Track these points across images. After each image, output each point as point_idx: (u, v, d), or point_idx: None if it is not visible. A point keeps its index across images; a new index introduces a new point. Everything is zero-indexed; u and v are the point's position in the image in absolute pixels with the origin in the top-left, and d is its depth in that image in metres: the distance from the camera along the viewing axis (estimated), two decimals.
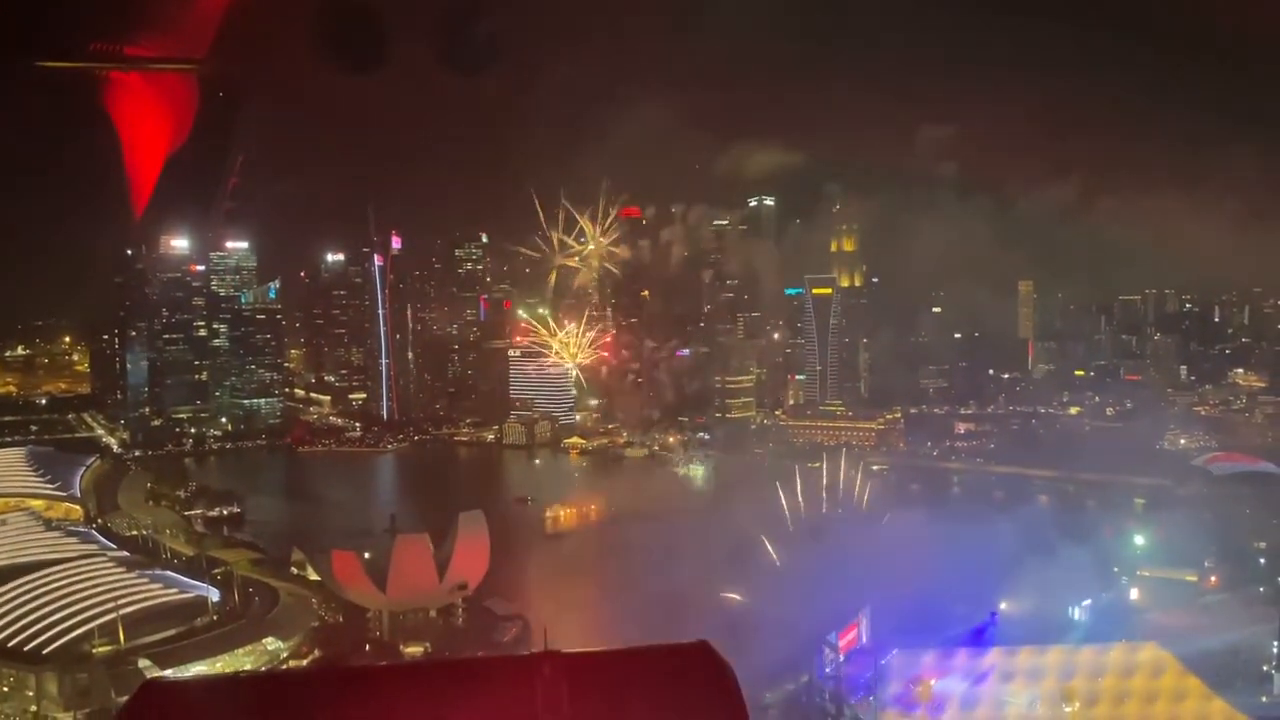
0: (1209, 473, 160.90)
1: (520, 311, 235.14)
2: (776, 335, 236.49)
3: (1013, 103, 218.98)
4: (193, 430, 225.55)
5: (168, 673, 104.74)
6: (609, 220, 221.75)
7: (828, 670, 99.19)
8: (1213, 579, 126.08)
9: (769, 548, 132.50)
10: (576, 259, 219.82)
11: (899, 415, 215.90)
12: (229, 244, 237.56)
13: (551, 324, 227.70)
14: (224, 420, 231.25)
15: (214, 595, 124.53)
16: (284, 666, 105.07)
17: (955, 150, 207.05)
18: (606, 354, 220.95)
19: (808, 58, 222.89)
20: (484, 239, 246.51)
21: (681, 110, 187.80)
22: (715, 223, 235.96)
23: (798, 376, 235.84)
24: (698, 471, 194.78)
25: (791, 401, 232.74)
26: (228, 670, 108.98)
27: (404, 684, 7.01)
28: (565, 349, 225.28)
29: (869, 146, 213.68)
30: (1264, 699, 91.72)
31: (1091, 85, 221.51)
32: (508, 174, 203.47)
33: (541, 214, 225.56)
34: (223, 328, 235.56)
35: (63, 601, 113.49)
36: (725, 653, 7.32)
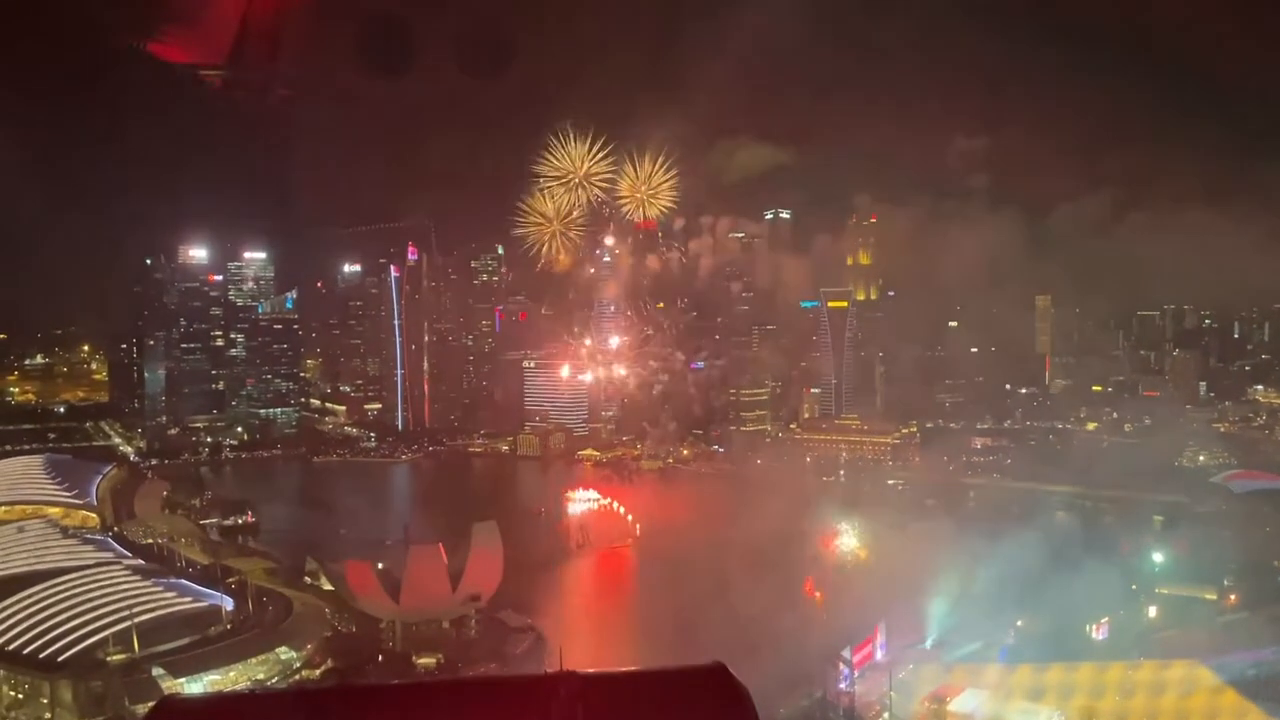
0: (1228, 490, 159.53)
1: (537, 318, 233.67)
2: (792, 348, 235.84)
3: (1032, 116, 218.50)
4: (209, 439, 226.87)
5: (181, 680, 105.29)
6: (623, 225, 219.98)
7: (842, 686, 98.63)
8: (1232, 597, 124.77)
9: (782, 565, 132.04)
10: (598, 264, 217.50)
11: (915, 429, 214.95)
12: (247, 254, 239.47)
13: (579, 332, 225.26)
14: (240, 429, 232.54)
15: (228, 604, 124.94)
16: (300, 684, 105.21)
17: (973, 165, 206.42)
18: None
19: (823, 70, 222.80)
20: (500, 250, 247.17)
21: (698, 123, 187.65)
22: (732, 235, 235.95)
23: (813, 389, 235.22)
24: None
25: (806, 415, 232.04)
26: (241, 679, 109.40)
27: (420, 703, 6.96)
28: (594, 358, 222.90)
29: (885, 160, 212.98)
30: None
31: (1112, 98, 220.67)
32: (525, 180, 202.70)
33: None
34: (240, 337, 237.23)
35: (78, 609, 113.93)
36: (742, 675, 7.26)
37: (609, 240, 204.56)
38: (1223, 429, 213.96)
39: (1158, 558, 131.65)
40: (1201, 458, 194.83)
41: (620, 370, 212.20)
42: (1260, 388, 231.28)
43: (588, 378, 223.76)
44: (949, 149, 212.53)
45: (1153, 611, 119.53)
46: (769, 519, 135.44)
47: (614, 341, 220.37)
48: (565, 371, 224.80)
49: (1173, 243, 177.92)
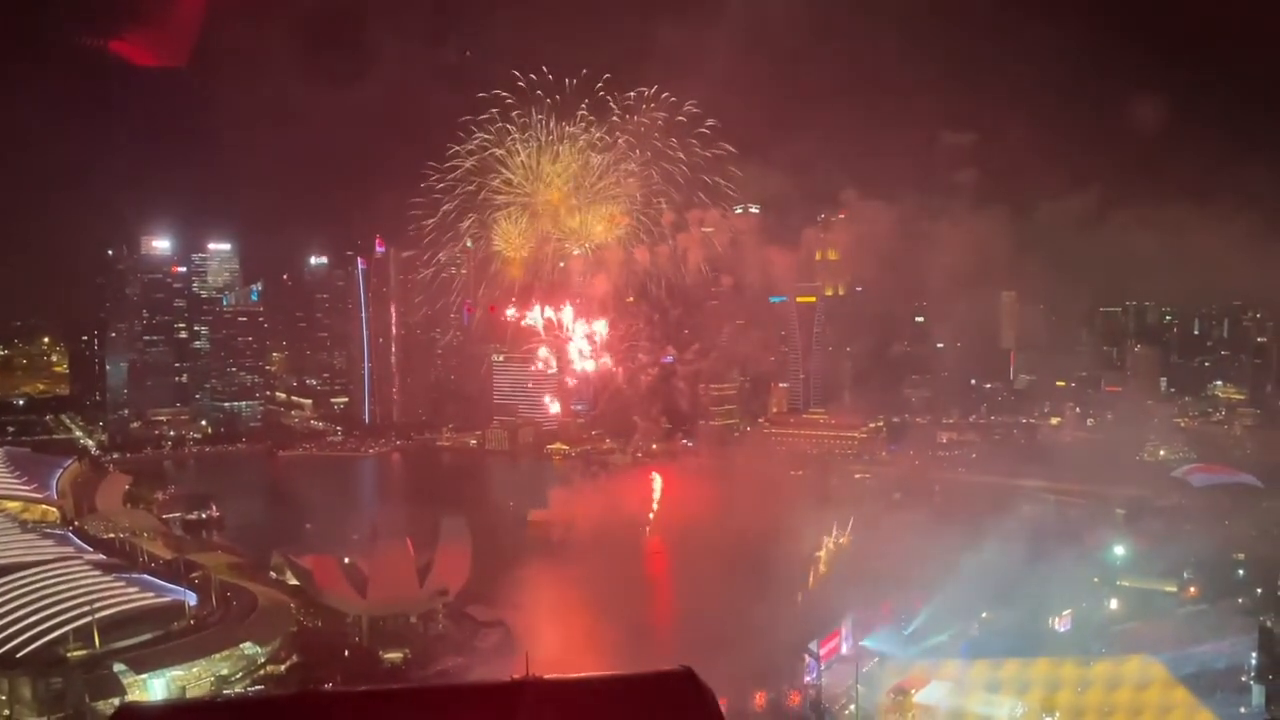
0: (1189, 484, 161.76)
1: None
2: (760, 343, 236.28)
3: (1000, 114, 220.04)
4: (172, 432, 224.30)
5: (144, 676, 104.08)
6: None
7: (809, 678, 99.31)
8: (1192, 590, 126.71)
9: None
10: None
11: (882, 424, 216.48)
12: (212, 245, 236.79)
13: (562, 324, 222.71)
14: (204, 423, 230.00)
15: (191, 599, 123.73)
16: (261, 691, 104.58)
17: (941, 162, 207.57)
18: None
19: (792, 65, 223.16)
20: (468, 244, 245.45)
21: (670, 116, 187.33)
22: (702, 229, 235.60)
23: (781, 384, 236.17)
24: None
25: (775, 409, 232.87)
26: (204, 675, 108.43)
27: (383, 710, 6.83)
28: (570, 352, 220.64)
29: (854, 156, 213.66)
30: (1243, 710, 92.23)
31: (1075, 95, 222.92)
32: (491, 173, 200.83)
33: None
34: (204, 329, 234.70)
35: (38, 604, 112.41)
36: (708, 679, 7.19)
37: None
38: (1183, 424, 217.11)
39: (1119, 551, 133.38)
40: (1162, 452, 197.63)
41: (595, 364, 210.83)
42: (1220, 383, 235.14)
43: (578, 371, 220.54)
44: (917, 146, 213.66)
45: (1114, 604, 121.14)
46: (746, 512, 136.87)
47: (590, 335, 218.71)
48: (540, 360, 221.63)
49: (1136, 240, 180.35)
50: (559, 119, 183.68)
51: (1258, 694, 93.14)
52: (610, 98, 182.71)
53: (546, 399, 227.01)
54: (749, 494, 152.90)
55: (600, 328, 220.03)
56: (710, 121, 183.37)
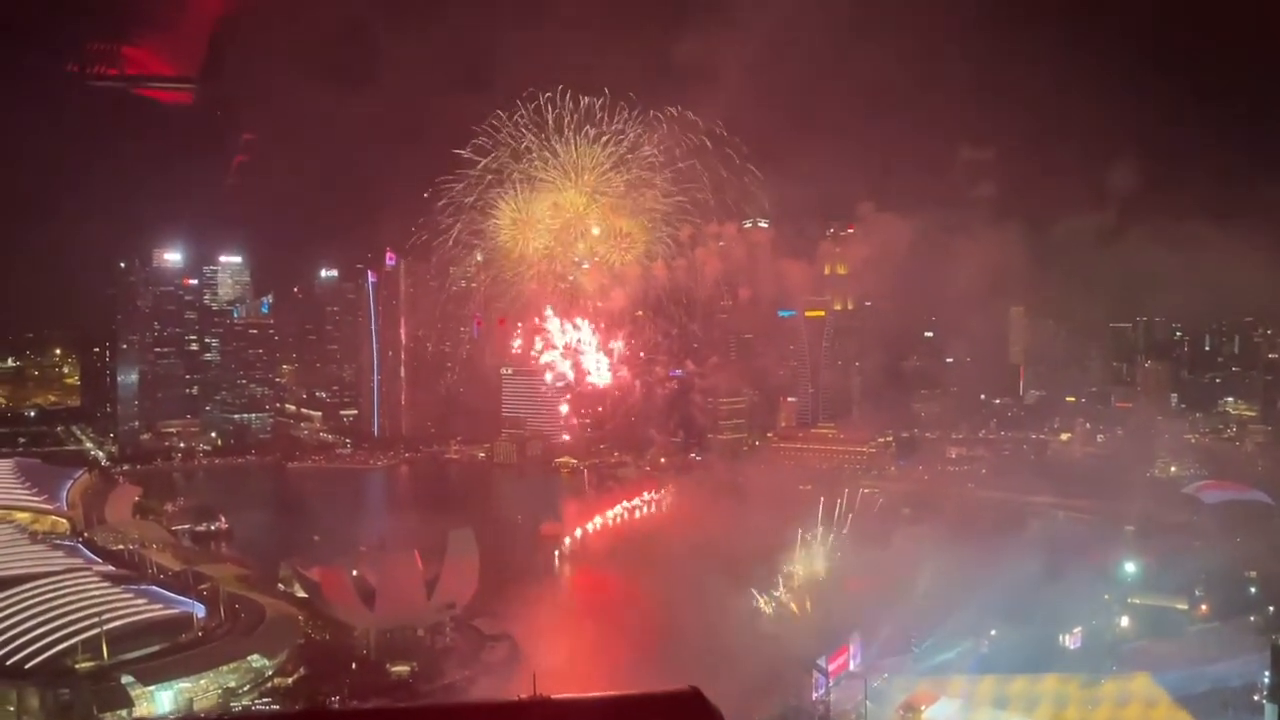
0: (1199, 501, 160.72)
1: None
2: (769, 357, 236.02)
3: (1007, 129, 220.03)
4: (182, 444, 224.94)
5: (151, 688, 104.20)
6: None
7: (817, 694, 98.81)
8: (1203, 607, 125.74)
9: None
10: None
11: (890, 439, 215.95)
12: (223, 258, 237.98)
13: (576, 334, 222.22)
14: (214, 434, 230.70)
15: (200, 611, 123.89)
16: (267, 705, 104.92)
17: (950, 177, 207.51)
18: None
19: (801, 80, 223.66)
20: (479, 257, 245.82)
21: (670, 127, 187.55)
22: (719, 244, 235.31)
23: (790, 399, 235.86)
24: None
25: (783, 424, 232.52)
26: (212, 687, 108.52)
27: None
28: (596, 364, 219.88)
29: (862, 170, 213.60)
30: None
31: (1087, 110, 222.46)
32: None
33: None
34: (215, 342, 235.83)
35: (47, 616, 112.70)
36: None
37: None
38: (1193, 440, 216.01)
39: (1130, 568, 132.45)
40: (1173, 468, 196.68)
41: (613, 376, 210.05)
42: (1230, 399, 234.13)
43: (589, 384, 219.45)
44: (927, 161, 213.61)
45: (1126, 621, 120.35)
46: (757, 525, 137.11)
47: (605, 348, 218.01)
48: (548, 378, 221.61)
49: (1147, 256, 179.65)
50: (577, 133, 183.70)
51: (1270, 713, 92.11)
52: (627, 112, 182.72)
53: (563, 408, 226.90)
54: (745, 508, 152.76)
55: (614, 342, 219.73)
56: (738, 141, 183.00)
